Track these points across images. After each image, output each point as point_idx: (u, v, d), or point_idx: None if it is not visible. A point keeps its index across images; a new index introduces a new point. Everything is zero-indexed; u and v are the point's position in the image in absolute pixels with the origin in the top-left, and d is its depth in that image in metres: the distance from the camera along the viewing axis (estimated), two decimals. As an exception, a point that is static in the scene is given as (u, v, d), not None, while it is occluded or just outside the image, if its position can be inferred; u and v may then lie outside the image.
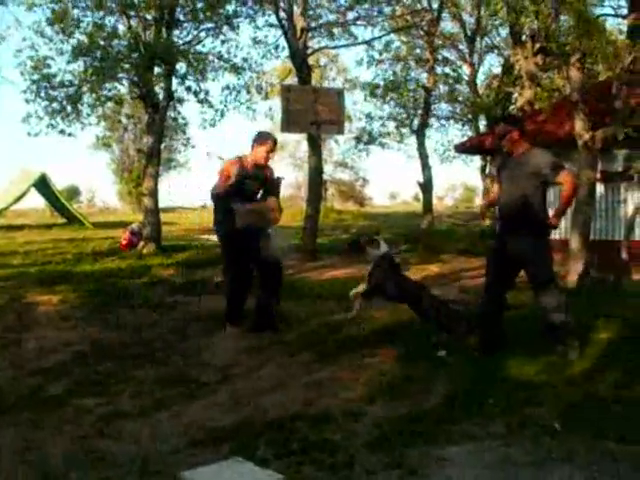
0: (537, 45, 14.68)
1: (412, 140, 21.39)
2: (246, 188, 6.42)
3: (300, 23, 12.94)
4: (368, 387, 4.72)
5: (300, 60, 13.03)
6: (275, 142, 6.56)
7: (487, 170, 23.13)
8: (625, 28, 14.69)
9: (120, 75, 14.54)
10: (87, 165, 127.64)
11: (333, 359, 5.47)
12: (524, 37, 15.24)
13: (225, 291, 6.93)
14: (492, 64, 25.03)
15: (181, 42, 14.83)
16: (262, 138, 6.50)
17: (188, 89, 15.01)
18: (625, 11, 13.05)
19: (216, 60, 15.10)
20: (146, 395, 4.59)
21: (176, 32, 14.75)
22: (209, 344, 6.17)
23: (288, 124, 12.06)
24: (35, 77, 13.92)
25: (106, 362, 5.49)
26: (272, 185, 6.66)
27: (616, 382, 4.65)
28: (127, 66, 14.20)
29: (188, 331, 6.72)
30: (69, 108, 14.26)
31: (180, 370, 5.26)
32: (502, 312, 5.65)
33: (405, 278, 6.48)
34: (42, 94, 13.91)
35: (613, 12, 16.67)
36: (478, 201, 57.54)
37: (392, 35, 17.88)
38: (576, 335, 5.38)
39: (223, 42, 15.12)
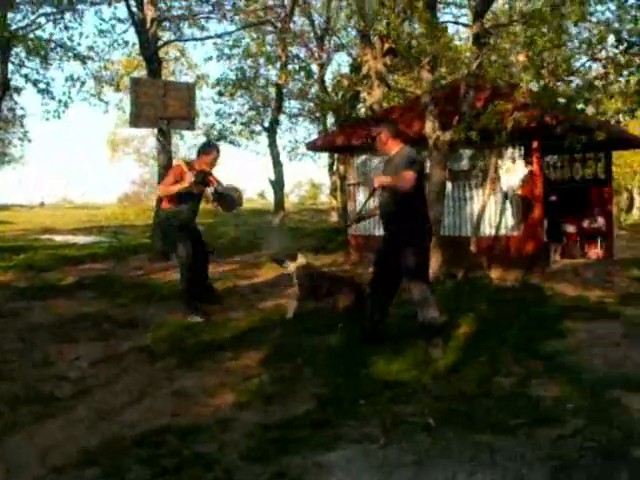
0: (386, 46, 15.11)
1: (261, 137, 21.43)
2: (196, 193, 7.18)
3: (150, 13, 12.43)
4: (236, 393, 4.54)
5: (150, 52, 12.53)
6: (219, 152, 7.41)
7: (334, 167, 23.53)
8: (465, 35, 15.50)
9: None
10: None
11: (196, 364, 5.23)
12: (373, 38, 15.59)
13: (182, 279, 7.16)
14: (340, 63, 25.55)
15: (16, 26, 13.80)
16: (208, 148, 7.45)
17: (26, 77, 14.02)
18: (464, 19, 13.76)
19: (58, 48, 14.19)
20: (-7, 416, 4.11)
21: (12, 15, 13.70)
22: (60, 354, 5.69)
23: (137, 118, 11.57)
24: None
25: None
26: (223, 191, 7.35)
27: (480, 376, 4.77)
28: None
29: (35, 340, 6.18)
30: None
31: (30, 385, 4.76)
32: (386, 312, 5.81)
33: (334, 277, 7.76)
34: None
35: (453, 19, 17.61)
36: (324, 198, 58.71)
37: (243, 31, 17.69)
38: (440, 333, 5.50)
39: (66, 28, 14.25)
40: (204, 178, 7.23)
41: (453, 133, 9.23)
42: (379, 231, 8.69)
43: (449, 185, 10.48)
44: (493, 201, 10.71)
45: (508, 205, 10.72)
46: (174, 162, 7.92)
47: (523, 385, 4.61)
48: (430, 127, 9.37)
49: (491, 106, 9.41)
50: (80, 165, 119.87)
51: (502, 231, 10.74)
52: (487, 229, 10.77)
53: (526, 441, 3.59)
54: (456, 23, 17.06)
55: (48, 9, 13.99)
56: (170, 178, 7.11)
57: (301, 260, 7.07)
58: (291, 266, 7.03)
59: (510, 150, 10.55)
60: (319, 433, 3.77)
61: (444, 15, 16.99)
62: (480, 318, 6.49)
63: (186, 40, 17.49)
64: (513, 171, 10.55)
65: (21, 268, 11.31)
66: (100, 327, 6.63)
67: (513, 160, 10.60)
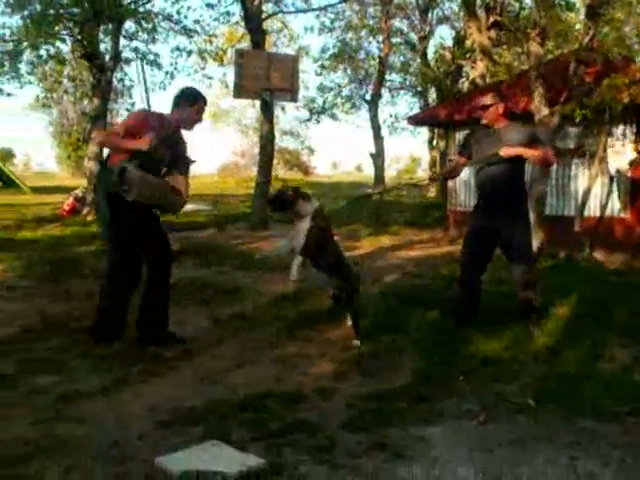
0: (491, 18, 14.72)
1: (362, 111, 21.35)
2: (155, 156, 4.78)
3: (256, -15, 12.55)
4: (336, 363, 4.61)
5: (255, 25, 12.66)
6: (206, 103, 5.28)
7: (434, 142, 23.23)
8: (576, 6, 14.84)
9: (63, 32, 13.91)
10: (21, 127, 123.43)
11: (297, 333, 5.33)
12: (478, 10, 15.21)
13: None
14: (443, 36, 25.06)
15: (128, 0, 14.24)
16: (192, 97, 5.14)
17: (136, 50, 14.50)
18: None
19: (166, 21, 14.58)
20: (105, 373, 4.32)
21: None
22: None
23: (241, 89, 11.77)
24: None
25: (58, 336, 5.19)
26: (182, 161, 5.20)
27: (583, 359, 4.66)
28: (70, 23, 13.57)
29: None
30: (7, 65, 13.60)
31: (138, 345, 5.00)
32: (479, 295, 5.60)
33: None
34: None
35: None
36: (421, 172, 58.14)
37: (345, 3, 17.61)
38: (539, 313, 5.39)
39: (174, 3, 14.60)
40: (175, 141, 5.10)
41: (562, 109, 8.92)
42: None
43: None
44: (600, 181, 10.30)
45: (616, 186, 10.30)
46: (137, 111, 5.60)
47: (627, 371, 4.47)
48: (537, 102, 9.08)
49: (607, 80, 9.00)
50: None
51: (608, 212, 10.33)
52: (592, 210, 10.38)
53: (631, 428, 3.49)
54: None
55: (158, -18, 14.39)
56: (121, 128, 5.02)
57: (315, 202, 5.07)
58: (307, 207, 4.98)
59: (621, 127, 10.11)
60: (418, 407, 3.78)
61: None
62: (583, 300, 6.29)
63: (289, 12, 17.63)
64: (623, 150, 10.12)
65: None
66: (203, 293, 6.81)
67: (623, 138, 10.15)
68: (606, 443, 3.31)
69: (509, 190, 5.30)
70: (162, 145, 4.80)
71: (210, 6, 15.00)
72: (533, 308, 5.36)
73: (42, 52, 13.89)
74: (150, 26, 13.99)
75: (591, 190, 10.12)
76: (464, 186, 12.09)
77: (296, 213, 4.97)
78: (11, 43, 13.48)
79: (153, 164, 4.80)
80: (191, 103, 5.10)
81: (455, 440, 3.34)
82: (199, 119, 5.22)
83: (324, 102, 20.17)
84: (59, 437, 3.28)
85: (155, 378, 4.28)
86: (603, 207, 10.27)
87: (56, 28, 13.38)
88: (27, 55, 13.85)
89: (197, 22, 14.89)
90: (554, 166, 10.04)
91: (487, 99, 5.37)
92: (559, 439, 3.36)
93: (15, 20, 13.57)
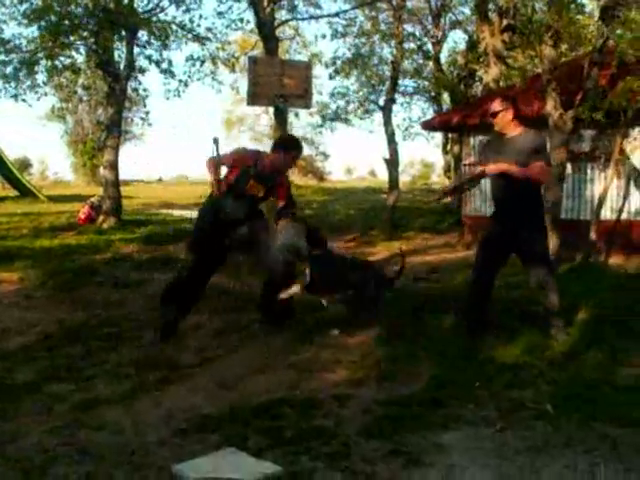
0: (504, 22, 14.69)
1: (375, 116, 21.32)
2: (247, 189, 5.45)
3: (268, -7, 12.59)
4: (352, 369, 4.61)
5: (267, 31, 12.70)
6: (301, 151, 5.97)
7: (448, 146, 23.17)
8: (589, 8, 14.75)
9: (78, 42, 14.04)
10: (38, 137, 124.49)
11: (313, 339, 5.33)
12: (491, 14, 15.20)
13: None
14: (456, 40, 25.00)
15: (142, 9, 14.36)
16: (289, 146, 5.73)
17: (149, 58, 14.59)
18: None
19: (179, 29, 14.66)
20: (123, 380, 4.37)
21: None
22: (182, 324, 5.94)
23: (254, 96, 11.74)
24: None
25: (76, 344, 5.25)
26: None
27: (600, 363, 4.62)
28: (85, 33, 13.70)
29: (158, 310, 6.48)
30: (23, 74, 13.75)
31: (155, 352, 5.04)
32: (490, 298, 5.54)
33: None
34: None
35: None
36: (435, 177, 57.97)
37: (357, 9, 17.67)
38: (561, 317, 5.35)
39: (186, 11, 14.69)
40: (270, 178, 5.56)
41: (576, 112, 8.87)
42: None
43: (569, 167, 10.10)
44: (616, 184, 10.23)
45: (633, 189, 10.22)
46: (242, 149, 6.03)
47: (647, 376, 4.43)
48: (551, 106, 9.03)
49: (622, 83, 8.94)
50: (195, 142, 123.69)
51: (624, 215, 10.25)
52: (609, 213, 10.31)
53: (653, 436, 3.45)
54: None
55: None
56: (228, 159, 5.55)
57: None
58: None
59: (638, 129, 10.04)
60: (435, 413, 3.77)
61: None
62: (600, 305, 6.24)
63: (302, 19, 17.66)
64: (639, 153, 10.05)
65: (142, 240, 11.84)
66: (220, 300, 6.84)
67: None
68: (627, 449, 3.28)
69: (521, 196, 5.18)
70: (257, 181, 5.43)
71: (221, 14, 15.08)
72: (555, 313, 5.31)
73: (57, 62, 14.03)
74: (163, 35, 14.06)
75: (607, 193, 10.05)
76: (479, 191, 12.04)
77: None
78: (27, 53, 13.62)
79: (248, 196, 5.43)
80: (287, 150, 5.64)
81: (472, 446, 3.33)
82: (292, 165, 6.00)
83: (337, 108, 20.22)
84: (78, 444, 3.31)
85: (172, 385, 4.32)
86: (619, 211, 10.20)
87: (71, 38, 13.51)
88: (43, 65, 13.99)
89: (209, 30, 14.96)
90: (569, 169, 10.02)
91: (496, 105, 5.24)
92: (578, 445, 3.33)
93: (31, 31, 13.64)
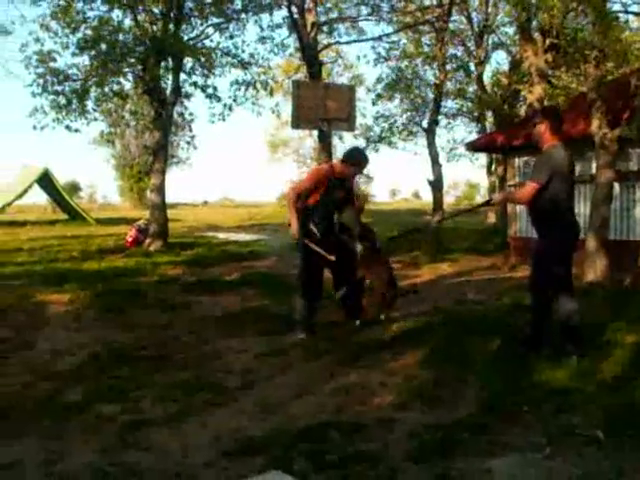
0: (547, 41, 14.56)
1: (419, 138, 21.31)
2: (334, 197, 6.44)
3: (311, 18, 12.77)
4: (397, 393, 4.57)
5: (310, 56, 12.87)
6: (366, 163, 6.65)
7: (492, 167, 22.99)
8: (634, 25, 14.53)
9: (125, 70, 14.41)
10: (87, 161, 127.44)
11: (358, 363, 5.32)
12: (534, 33, 15.08)
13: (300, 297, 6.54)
14: (499, 61, 24.90)
15: (188, 37, 14.68)
16: (356, 158, 6.55)
17: (194, 84, 14.88)
18: (634, 8, 12.90)
19: (223, 55, 14.93)
20: (169, 401, 4.41)
21: (183, 27, 14.59)
22: (227, 346, 6.02)
23: (298, 120, 11.93)
24: (40, 70, 13.78)
25: (123, 365, 5.32)
26: (350, 198, 6.73)
27: (653, 388, 4.49)
28: (133, 60, 14.06)
29: (204, 332, 6.57)
30: (75, 103, 14.13)
31: (200, 374, 5.07)
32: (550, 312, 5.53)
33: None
34: (49, 88, 13.76)
35: (623, 9, 16.59)
36: (479, 198, 57.50)
37: (400, 32, 17.76)
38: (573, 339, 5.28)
39: (230, 37, 14.97)
40: (344, 183, 6.58)
41: (622, 130, 8.75)
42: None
43: (617, 186, 9.94)
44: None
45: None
46: (317, 169, 7.08)
47: (701, 401, 4.29)
48: (597, 125, 8.93)
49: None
50: (239, 166, 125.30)
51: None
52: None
53: None
54: (626, 12, 16.08)
55: (215, 20, 14.77)
56: (304, 185, 6.57)
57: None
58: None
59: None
60: (482, 438, 3.71)
61: (612, 5, 16.08)
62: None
63: (346, 43, 17.84)
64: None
65: (189, 263, 11.99)
66: (262, 322, 6.88)
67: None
68: (681, 477, 3.19)
69: (534, 215, 5.39)
70: (334, 189, 6.37)
71: (263, 39, 15.29)
72: (569, 329, 5.28)
73: (106, 89, 14.39)
74: (208, 63, 14.35)
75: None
76: (524, 212, 11.92)
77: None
78: (79, 82, 14.01)
79: (332, 202, 6.44)
80: (353, 162, 6.47)
81: (520, 473, 3.26)
82: (357, 174, 6.91)
83: (381, 131, 20.26)
84: (125, 465, 3.35)
85: (218, 408, 4.34)
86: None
87: (120, 65, 13.87)
88: (93, 92, 14.36)
89: (252, 55, 15.19)
90: (616, 188, 9.85)
91: (533, 120, 5.45)
92: (630, 473, 3.25)
93: (82, 60, 14.03)
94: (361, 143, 23.02)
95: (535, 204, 5.26)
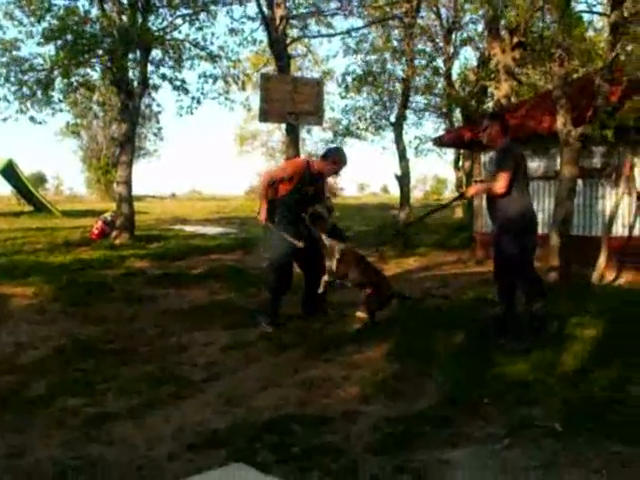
0: (515, 39, 14.74)
1: (387, 132, 21.39)
2: (305, 192, 6.52)
3: (280, 11, 12.75)
4: (361, 386, 4.62)
5: (279, 49, 12.85)
6: (345, 164, 6.75)
7: (460, 163, 23.17)
8: (599, 25, 14.76)
9: (93, 61, 14.25)
10: (53, 152, 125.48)
11: (322, 356, 5.36)
12: (502, 31, 15.25)
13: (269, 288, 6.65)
14: (467, 57, 25.07)
15: (156, 28, 14.55)
16: (336, 157, 6.70)
17: (163, 76, 14.77)
18: (598, 8, 13.13)
19: (192, 47, 14.84)
20: (133, 395, 4.41)
21: (151, 18, 14.45)
22: (192, 339, 6.02)
23: (266, 113, 11.87)
24: (3, 59, 13.57)
25: (88, 359, 5.30)
26: (321, 195, 6.83)
27: (611, 382, 4.59)
28: (100, 51, 13.90)
29: (170, 326, 6.55)
30: (39, 93, 13.94)
31: (165, 367, 5.08)
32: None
33: (368, 265, 6.72)
34: (11, 78, 13.55)
35: (588, 9, 16.82)
36: (447, 193, 57.93)
37: (369, 27, 17.79)
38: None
39: (199, 29, 14.88)
40: (317, 179, 6.69)
41: (586, 128, 8.89)
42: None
43: (580, 183, 10.10)
44: (627, 200, 10.22)
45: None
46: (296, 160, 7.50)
47: (659, 393, 4.41)
48: (561, 122, 9.05)
49: (629, 102, 8.96)
50: (208, 158, 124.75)
51: (636, 232, 10.22)
52: (620, 229, 10.29)
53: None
54: (591, 12, 16.31)
55: (184, 11, 14.68)
56: (277, 174, 6.67)
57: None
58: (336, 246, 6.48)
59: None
60: (443, 430, 3.78)
61: (577, 5, 16.32)
62: (611, 321, 6.22)
63: (314, 37, 17.85)
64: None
65: (155, 256, 11.92)
66: (229, 316, 6.89)
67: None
68: (636, 468, 3.27)
69: (491, 208, 5.82)
70: (306, 184, 6.46)
71: (234, 31, 15.25)
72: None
73: (72, 80, 14.22)
74: (176, 55, 14.27)
75: (618, 210, 10.04)
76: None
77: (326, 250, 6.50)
78: (43, 72, 13.82)
79: (302, 196, 6.45)
80: (333, 161, 6.64)
81: (479, 464, 3.33)
82: (334, 173, 7.02)
83: (349, 124, 20.31)
84: (89, 458, 3.35)
85: (182, 400, 4.35)
86: (631, 227, 10.18)
87: (87, 56, 13.71)
88: (58, 83, 14.19)
89: (222, 48, 15.12)
90: (580, 185, 10.01)
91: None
92: (587, 464, 3.31)
93: (47, 49, 13.86)
94: (329, 136, 23.13)
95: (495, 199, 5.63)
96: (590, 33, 16.10)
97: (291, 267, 6.68)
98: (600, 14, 14.06)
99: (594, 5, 16.34)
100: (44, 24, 13.44)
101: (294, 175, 6.47)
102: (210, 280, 9.28)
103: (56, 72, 13.83)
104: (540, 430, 3.77)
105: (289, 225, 6.45)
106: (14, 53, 13.70)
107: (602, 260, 9.34)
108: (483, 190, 6.04)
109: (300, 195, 6.47)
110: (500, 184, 5.52)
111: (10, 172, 25.98)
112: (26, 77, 13.75)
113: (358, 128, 20.48)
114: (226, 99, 16.09)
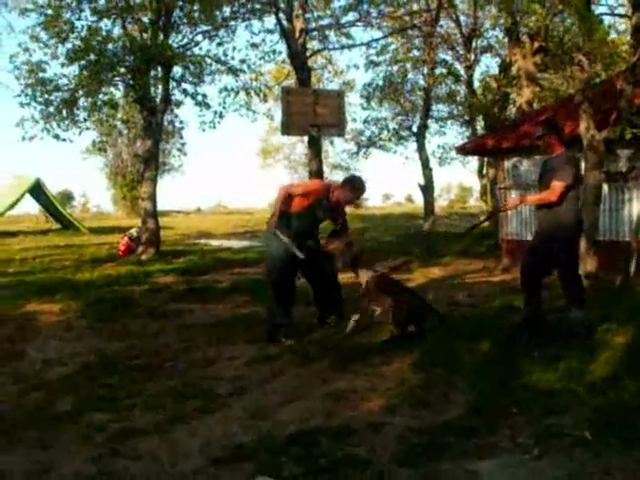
0: (536, 44, 14.67)
1: (410, 142, 21.36)
2: (316, 214, 6.54)
3: (299, 24, 12.82)
4: (387, 397, 4.58)
5: (300, 62, 12.92)
6: (363, 192, 6.83)
7: (484, 171, 23.06)
8: (621, 27, 14.62)
9: (116, 79, 14.44)
10: (79, 170, 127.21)
11: (349, 367, 5.33)
12: (522, 36, 15.19)
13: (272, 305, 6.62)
14: (488, 65, 24.98)
15: (177, 45, 14.70)
16: (354, 185, 6.65)
17: (185, 92, 14.91)
18: (620, 10, 13.04)
19: (213, 63, 14.97)
20: (159, 409, 4.42)
21: (172, 35, 14.62)
22: (218, 353, 6.02)
23: (288, 126, 11.95)
24: (30, 81, 13.79)
25: (114, 374, 5.33)
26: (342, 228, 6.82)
27: (640, 389, 4.52)
28: (123, 70, 14.09)
29: (195, 340, 6.57)
30: (65, 112, 14.14)
31: (191, 382, 5.08)
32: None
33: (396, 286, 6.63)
34: (38, 98, 13.77)
35: (609, 11, 16.69)
36: (472, 201, 57.67)
37: (389, 37, 17.83)
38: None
39: (219, 44, 15.01)
40: (334, 207, 6.63)
41: (609, 132, 8.80)
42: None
43: (605, 187, 9.99)
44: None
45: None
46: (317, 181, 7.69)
47: (690, 401, 4.32)
48: (584, 127, 8.97)
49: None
50: (232, 172, 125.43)
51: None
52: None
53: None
54: (612, 14, 16.19)
55: (204, 27, 14.82)
56: (300, 189, 6.64)
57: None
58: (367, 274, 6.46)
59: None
60: (470, 440, 3.73)
61: (598, 7, 16.19)
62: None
63: (334, 49, 17.93)
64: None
65: (180, 271, 11.99)
66: (254, 329, 6.89)
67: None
68: (667, 477, 3.21)
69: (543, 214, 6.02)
70: (320, 207, 6.46)
71: (254, 46, 15.37)
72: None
73: (96, 99, 14.41)
74: (197, 70, 14.41)
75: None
76: (516, 215, 11.99)
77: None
78: (68, 92, 14.03)
79: (312, 218, 6.51)
80: (351, 187, 6.57)
81: (508, 474, 3.29)
82: (352, 201, 6.88)
83: (371, 135, 20.34)
84: (115, 473, 3.37)
85: (207, 415, 4.35)
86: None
87: (109, 75, 13.90)
88: (83, 102, 14.39)
89: (243, 62, 15.22)
90: (605, 190, 9.90)
91: (538, 131, 5.96)
92: (617, 473, 3.27)
93: (72, 70, 14.07)
94: (352, 148, 23.14)
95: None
96: (613, 36, 16.00)
97: (292, 277, 6.62)
98: (622, 16, 14.00)
99: (615, 7, 16.28)
100: (68, 45, 13.67)
101: (311, 193, 6.49)
102: (235, 294, 9.30)
103: (80, 92, 14.04)
104: (569, 439, 3.71)
105: (295, 237, 6.42)
106: (40, 75, 13.92)
107: (633, 265, 9.21)
108: (537, 200, 6.09)
109: (310, 215, 6.47)
110: (556, 194, 5.71)
111: (38, 191, 26.36)
112: (52, 97, 13.96)
113: (381, 139, 20.50)
114: (248, 109, 16.18)
